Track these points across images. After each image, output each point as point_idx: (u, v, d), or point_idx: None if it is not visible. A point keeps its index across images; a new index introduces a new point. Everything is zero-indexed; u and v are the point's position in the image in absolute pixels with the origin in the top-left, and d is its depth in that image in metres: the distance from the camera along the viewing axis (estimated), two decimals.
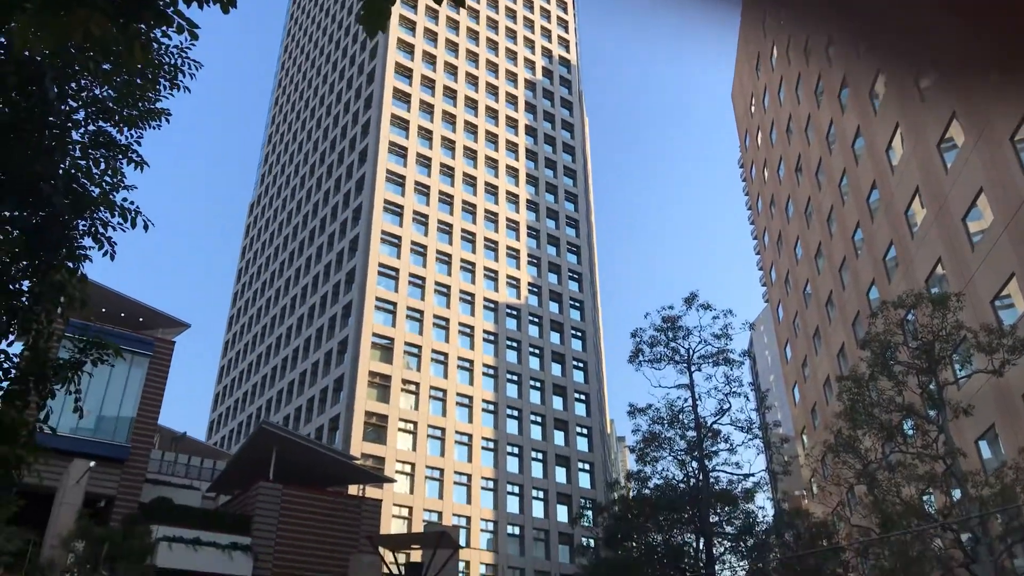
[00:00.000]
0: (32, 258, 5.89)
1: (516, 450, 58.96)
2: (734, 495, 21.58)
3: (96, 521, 26.38)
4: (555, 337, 66.39)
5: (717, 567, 20.94)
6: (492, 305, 64.08)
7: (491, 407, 59.39)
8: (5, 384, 6.09)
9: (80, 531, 23.36)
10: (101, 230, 6.22)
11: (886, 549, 18.31)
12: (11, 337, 5.97)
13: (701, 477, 20.33)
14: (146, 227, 6.61)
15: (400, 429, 54.17)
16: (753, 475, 22.28)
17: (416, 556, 17.64)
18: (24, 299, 5.89)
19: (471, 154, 69.94)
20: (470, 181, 68.69)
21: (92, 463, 26.11)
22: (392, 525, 48.25)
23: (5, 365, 6.18)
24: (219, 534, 30.57)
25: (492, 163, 71.03)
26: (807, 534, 24.10)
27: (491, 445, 57.83)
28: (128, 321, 34.92)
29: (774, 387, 67.71)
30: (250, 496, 33.77)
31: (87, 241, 6.23)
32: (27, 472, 6.02)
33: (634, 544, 21.45)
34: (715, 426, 21.86)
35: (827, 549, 20.95)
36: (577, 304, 69.53)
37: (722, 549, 21.84)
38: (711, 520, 20.79)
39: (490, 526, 54.79)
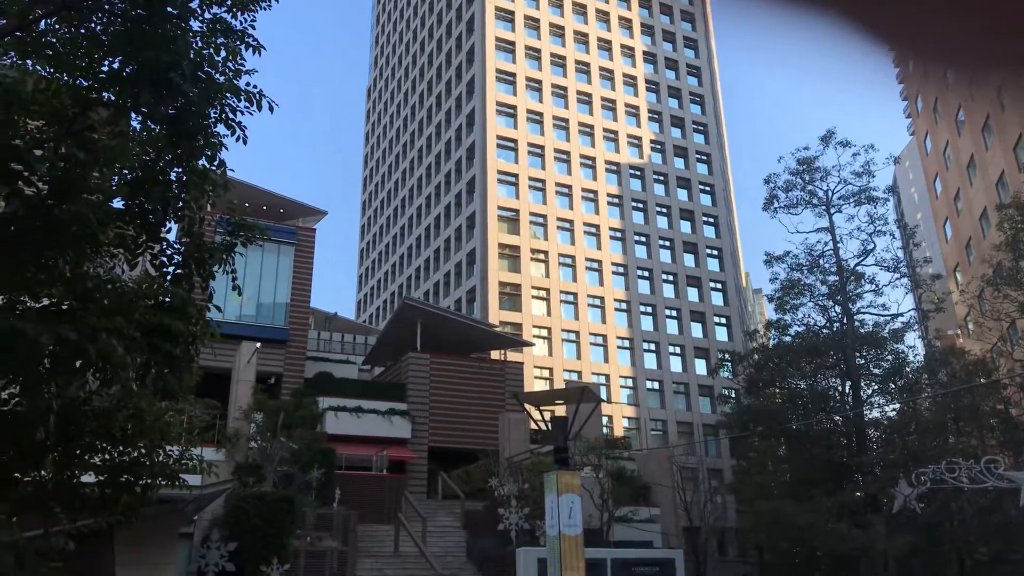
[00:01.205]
0: (174, 148, 6.27)
1: (649, 309, 59.20)
2: (881, 337, 20.82)
3: (269, 396, 29.21)
4: (682, 194, 64.59)
5: (865, 409, 20.59)
6: (614, 167, 62.77)
7: (621, 269, 59.43)
8: (171, 269, 6.66)
9: (257, 404, 25.97)
10: (231, 116, 6.50)
11: None
12: (168, 225, 6.48)
13: (845, 321, 19.67)
14: (271, 108, 6.84)
15: (534, 296, 55.49)
16: (902, 315, 21.35)
17: (560, 411, 18.38)
18: (174, 188, 6.33)
19: (580, 9, 66.71)
20: (582, 39, 65.88)
21: (258, 344, 28.60)
22: (535, 385, 50.42)
23: (168, 252, 6.74)
24: (378, 402, 33.14)
25: (603, 16, 67.53)
26: (963, 372, 23.10)
27: (624, 306, 58.32)
28: (269, 213, 36.98)
29: (922, 224, 63.39)
30: (402, 366, 36.14)
31: (220, 128, 6.54)
32: (203, 346, 6.65)
33: (777, 391, 21.37)
34: (858, 268, 20.87)
35: (986, 384, 20.03)
36: (703, 157, 66.87)
37: (870, 391, 21.39)
38: (857, 363, 20.26)
39: (629, 382, 56.16)
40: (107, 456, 6.46)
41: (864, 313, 21.06)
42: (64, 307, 5.33)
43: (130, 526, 15.23)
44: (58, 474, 6.43)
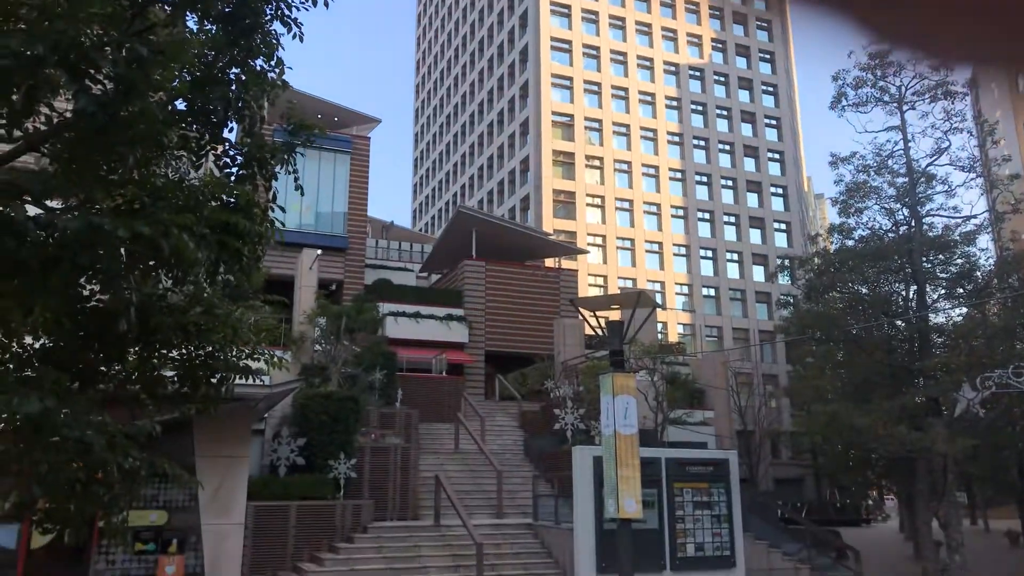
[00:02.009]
0: (232, 48, 6.27)
1: (707, 215, 58.12)
2: (950, 240, 20.07)
3: (331, 301, 30.05)
4: (743, 96, 62.13)
5: (930, 313, 20.10)
6: (673, 68, 60.52)
7: (678, 175, 58.14)
8: (235, 170, 6.79)
9: (320, 309, 26.76)
10: (286, 11, 6.44)
11: None
12: (230, 125, 6.56)
13: (913, 224, 18.96)
14: (327, 4, 6.77)
15: (588, 204, 54.93)
16: (975, 217, 20.45)
17: (615, 316, 18.45)
18: (233, 88, 6.37)
19: None
20: None
21: (319, 251, 29.24)
22: (589, 293, 50.58)
23: (231, 153, 6.85)
24: (435, 308, 33.82)
25: None
26: None
27: (680, 212, 57.35)
28: (324, 122, 37.02)
29: (1002, 121, 59.89)
30: (458, 273, 36.59)
31: (276, 26, 6.50)
32: (268, 245, 6.83)
33: (837, 295, 20.98)
34: (930, 168, 19.97)
35: None
36: (767, 56, 63.86)
37: (935, 296, 20.82)
38: (924, 268, 19.66)
39: (684, 289, 55.84)
40: (184, 351, 6.80)
41: (934, 215, 20.25)
42: (136, 206, 5.51)
43: (209, 417, 16.17)
44: (140, 367, 6.81)
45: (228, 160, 6.76)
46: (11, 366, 6.35)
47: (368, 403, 21.80)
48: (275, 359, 7.49)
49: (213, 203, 6.35)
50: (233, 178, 6.68)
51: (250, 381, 14.04)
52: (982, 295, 20.99)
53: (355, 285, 33.98)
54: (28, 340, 6.47)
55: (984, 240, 27.04)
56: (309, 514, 17.18)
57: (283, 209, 7.12)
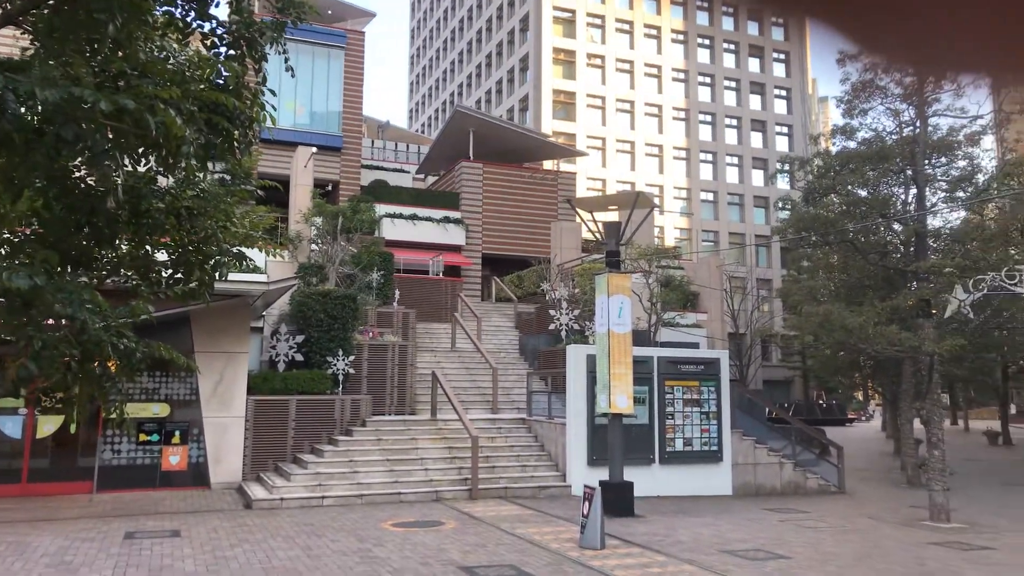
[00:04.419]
0: None
1: (709, 118, 57.08)
2: (954, 142, 19.74)
3: (327, 202, 29.79)
4: None
5: (928, 214, 20.02)
6: None
7: (681, 75, 56.72)
8: (223, 50, 6.55)
9: (316, 209, 26.56)
10: None
11: None
12: (216, 1, 6.29)
13: (918, 124, 18.61)
14: None
15: (588, 105, 53.80)
16: (981, 117, 20.03)
17: (613, 218, 18.38)
18: None
19: None
20: None
21: (314, 149, 28.78)
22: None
23: (219, 32, 6.60)
24: (432, 210, 33.62)
25: None
26: None
27: (682, 115, 56.29)
28: (317, 16, 35.67)
29: None
30: (454, 175, 36.19)
31: None
32: (261, 129, 6.67)
33: (836, 199, 20.85)
34: None
35: None
36: None
37: (935, 199, 20.69)
38: (925, 171, 19.45)
39: (683, 194, 55.47)
40: (176, 237, 6.75)
41: (941, 115, 19.84)
42: (120, 84, 5.35)
43: (207, 313, 16.30)
44: (133, 252, 6.78)
45: (216, 40, 6.52)
46: (3, 251, 6.32)
47: (366, 303, 21.95)
48: (269, 249, 7.46)
49: (201, 85, 6.16)
50: (222, 58, 6.46)
51: (246, 274, 14.05)
52: (981, 198, 20.88)
53: (351, 186, 33.62)
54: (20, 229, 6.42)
55: (988, 142, 26.66)
56: (308, 408, 17.58)
57: (274, 92, 6.91)
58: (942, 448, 15.11)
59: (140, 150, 6.16)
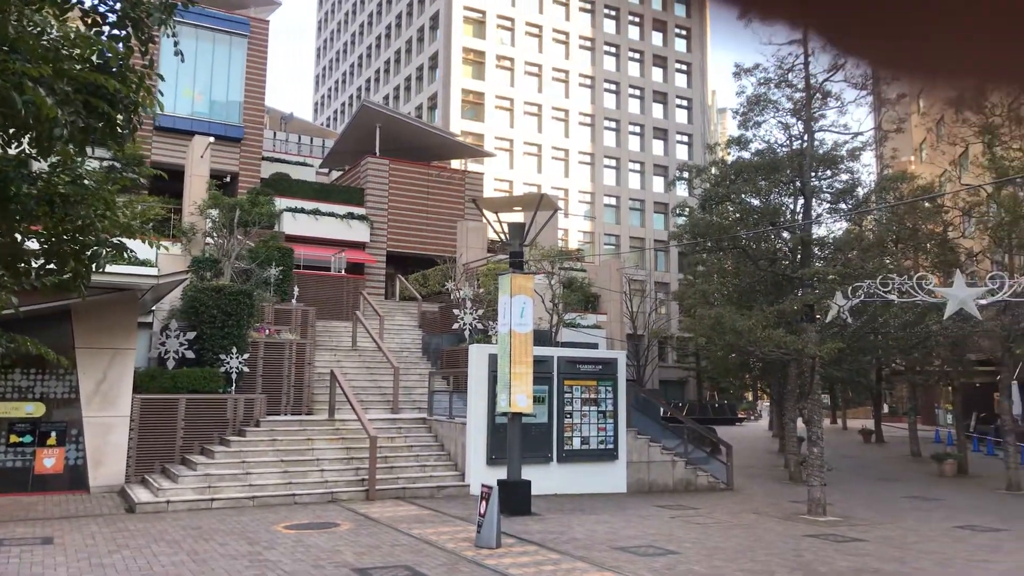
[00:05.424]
0: None
1: (614, 124, 58.39)
2: (837, 156, 20.95)
3: (225, 194, 28.73)
4: (656, 2, 61.70)
5: (814, 227, 21.14)
6: None
7: (588, 82, 57.78)
8: (106, 30, 6.19)
9: (213, 200, 25.58)
10: None
11: (994, 206, 17.85)
12: None
13: (806, 138, 19.64)
14: None
15: (496, 107, 54.04)
16: (861, 134, 21.36)
17: (518, 219, 18.52)
18: None
19: None
20: None
21: (211, 139, 27.69)
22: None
23: (101, 9, 6.24)
24: (335, 205, 32.95)
25: None
26: (910, 196, 23.72)
27: (588, 120, 57.34)
28: (219, 0, 34.35)
29: None
30: (360, 170, 35.61)
31: None
32: (148, 115, 6.35)
33: (731, 207, 21.71)
34: (826, 85, 20.55)
35: (929, 202, 20.61)
36: None
37: (820, 210, 21.88)
38: (812, 183, 20.54)
39: (587, 198, 56.51)
40: (49, 224, 6.33)
41: (826, 131, 21.01)
42: None
43: (90, 307, 15.40)
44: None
45: (98, 19, 6.15)
46: None
47: (263, 299, 21.30)
48: (154, 240, 7.08)
49: (80, 65, 5.80)
50: (104, 38, 6.10)
51: (133, 267, 13.35)
52: (860, 210, 22.22)
53: (251, 178, 32.56)
54: None
55: (868, 157, 28.36)
56: (199, 408, 16.90)
57: (162, 77, 6.59)
58: (821, 445, 15.98)
59: (11, 131, 5.77)
